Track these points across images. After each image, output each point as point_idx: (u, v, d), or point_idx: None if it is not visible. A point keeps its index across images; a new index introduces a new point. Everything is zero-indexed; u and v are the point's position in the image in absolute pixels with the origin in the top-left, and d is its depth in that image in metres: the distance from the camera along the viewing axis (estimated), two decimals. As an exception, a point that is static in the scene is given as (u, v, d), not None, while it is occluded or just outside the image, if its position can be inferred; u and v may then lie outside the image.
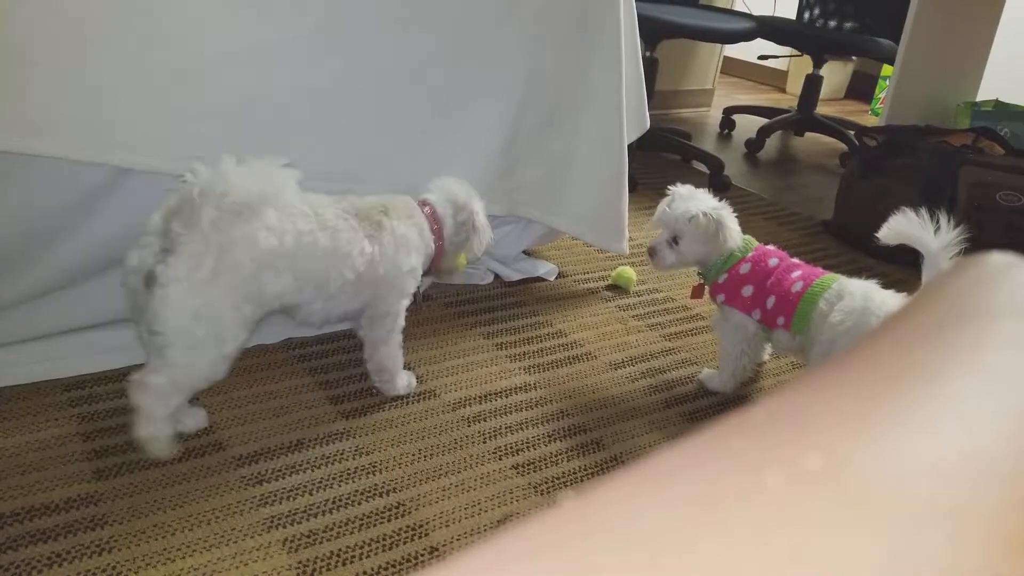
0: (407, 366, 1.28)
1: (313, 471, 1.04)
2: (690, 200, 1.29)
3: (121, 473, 0.99)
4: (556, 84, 1.50)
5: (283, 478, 1.02)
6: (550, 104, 1.51)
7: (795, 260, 1.28)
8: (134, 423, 0.98)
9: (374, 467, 1.06)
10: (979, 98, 2.61)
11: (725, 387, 1.33)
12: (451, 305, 1.52)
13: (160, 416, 0.98)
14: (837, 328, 1.13)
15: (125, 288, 0.98)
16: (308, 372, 1.26)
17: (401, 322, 1.19)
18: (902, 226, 1.06)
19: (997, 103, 2.55)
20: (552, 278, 1.68)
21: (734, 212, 1.31)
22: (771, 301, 1.23)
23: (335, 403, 1.19)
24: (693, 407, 1.29)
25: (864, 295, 1.14)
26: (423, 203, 1.24)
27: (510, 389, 1.27)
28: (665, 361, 1.42)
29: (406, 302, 1.20)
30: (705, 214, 1.25)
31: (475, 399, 1.24)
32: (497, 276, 1.64)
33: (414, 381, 1.24)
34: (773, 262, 1.26)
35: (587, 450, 1.15)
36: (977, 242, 1.87)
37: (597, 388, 1.31)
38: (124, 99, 1.08)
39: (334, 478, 1.03)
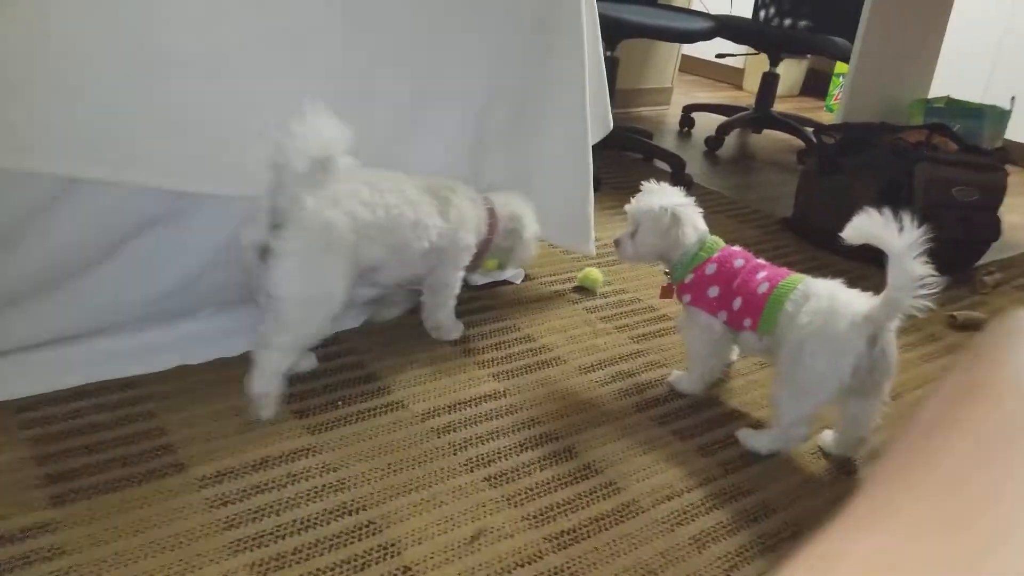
0: (374, 376, 1.26)
1: (280, 490, 1.01)
2: (655, 195, 1.30)
3: (79, 499, 0.95)
4: (520, 86, 1.48)
5: (248, 499, 0.99)
6: (514, 107, 1.50)
7: (761, 261, 1.28)
8: (249, 380, 1.11)
9: (342, 484, 1.04)
10: (931, 95, 2.67)
11: (694, 388, 1.34)
12: (416, 311, 1.49)
13: (277, 372, 1.12)
14: (804, 329, 1.13)
15: (241, 264, 1.12)
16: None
17: (456, 290, 1.37)
18: (866, 226, 1.06)
19: (949, 100, 2.61)
20: (519, 281, 1.67)
21: (701, 211, 1.31)
22: (738, 303, 1.23)
23: (300, 416, 1.16)
24: (664, 410, 1.29)
25: (830, 296, 1.15)
26: (486, 199, 1.40)
27: (479, 397, 1.26)
28: (634, 364, 1.42)
29: (461, 274, 1.37)
30: (662, 208, 1.26)
31: (444, 409, 1.22)
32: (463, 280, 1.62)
33: (461, 327, 1.42)
34: (739, 263, 1.27)
35: (559, 459, 1.14)
36: (935, 238, 1.90)
37: (567, 393, 1.30)
38: (74, 107, 1.03)
39: (301, 497, 1.00)
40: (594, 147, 1.73)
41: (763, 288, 1.21)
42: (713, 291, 1.26)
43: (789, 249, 2.07)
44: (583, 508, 1.05)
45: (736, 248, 1.31)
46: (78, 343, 1.17)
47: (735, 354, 1.40)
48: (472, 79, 1.40)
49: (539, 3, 1.46)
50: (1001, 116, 2.52)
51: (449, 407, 1.22)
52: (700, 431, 1.24)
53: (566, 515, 1.03)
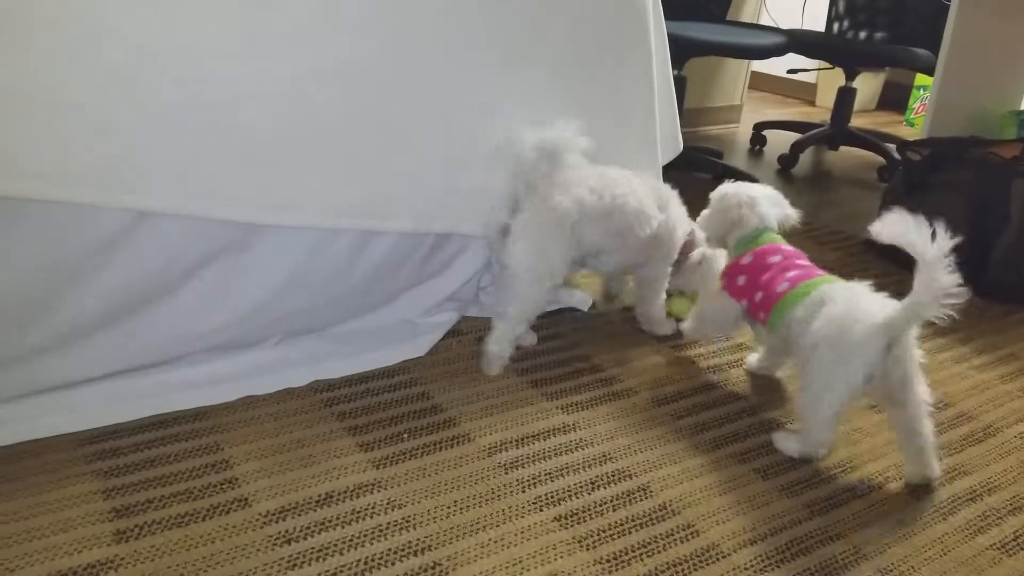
0: (439, 407, 1.23)
1: (344, 527, 0.98)
2: (744, 187, 1.38)
3: (143, 535, 0.94)
4: (589, 105, 1.44)
5: (312, 536, 0.96)
6: (583, 126, 1.46)
7: (802, 262, 1.27)
8: (486, 342, 1.32)
9: (408, 522, 1.00)
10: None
11: (693, 334, 1.46)
12: (483, 340, 1.45)
13: (509, 338, 1.32)
14: (817, 334, 1.12)
15: (488, 243, 1.38)
16: (336, 417, 1.20)
17: (665, 283, 1.50)
18: (897, 227, 1.01)
19: (1043, 111, 2.45)
20: (586, 308, 1.61)
21: (788, 210, 1.40)
22: (759, 296, 1.27)
23: (365, 450, 1.13)
24: (744, 447, 1.21)
25: (847, 301, 1.12)
26: (691, 221, 1.50)
27: (548, 431, 1.21)
28: (710, 396, 1.34)
29: (669, 269, 1.49)
30: (732, 191, 1.36)
31: (512, 443, 1.17)
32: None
33: (674, 325, 1.51)
34: (775, 259, 1.28)
35: (633, 498, 1.07)
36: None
37: (640, 427, 1.24)
38: (139, 140, 1.04)
39: (366, 535, 0.97)
40: (663, 169, 1.68)
41: (783, 287, 1.23)
42: (741, 279, 1.31)
43: (875, 271, 1.95)
44: (659, 552, 0.98)
45: (786, 247, 1.31)
46: (145, 375, 1.17)
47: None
48: (542, 98, 1.36)
49: (606, 27, 1.42)
50: (1104, 126, 2.34)
51: (517, 441, 1.17)
52: (783, 469, 1.16)
53: (641, 559, 0.97)
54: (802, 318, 1.16)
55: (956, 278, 0.98)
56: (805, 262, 1.28)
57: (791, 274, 1.24)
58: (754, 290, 1.28)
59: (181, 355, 1.21)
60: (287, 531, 0.97)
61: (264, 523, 0.98)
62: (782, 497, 1.10)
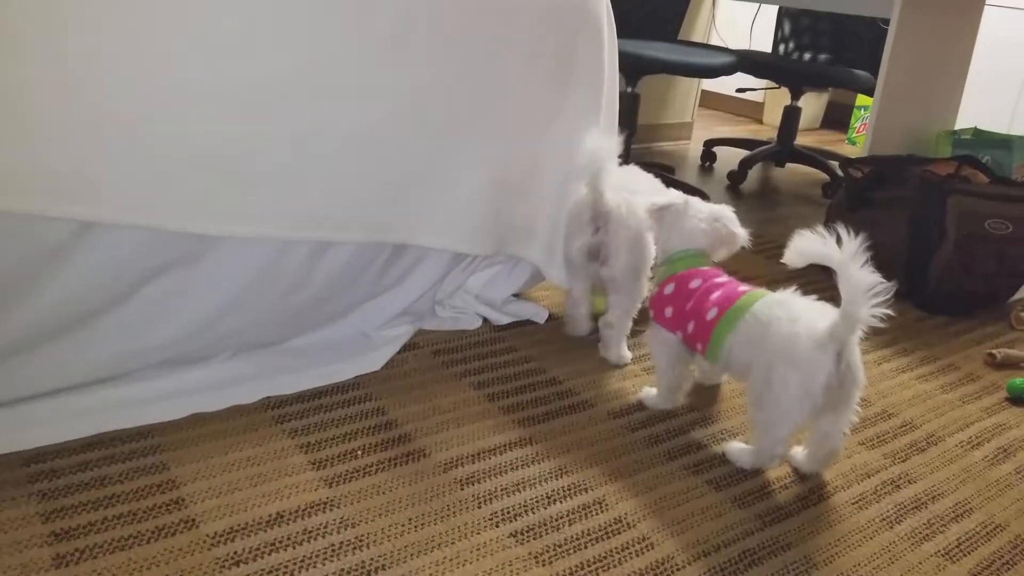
0: (394, 423, 1.21)
1: (295, 548, 0.96)
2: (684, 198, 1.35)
3: (84, 559, 0.90)
4: (542, 124, 1.45)
5: (262, 557, 0.94)
6: (534, 144, 1.47)
7: (721, 280, 1.26)
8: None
9: (361, 540, 0.98)
10: (957, 126, 2.62)
11: (663, 404, 1.35)
12: (439, 353, 1.45)
13: (621, 340, 1.48)
14: (770, 354, 1.12)
15: (574, 263, 1.48)
16: (288, 434, 1.18)
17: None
18: (805, 246, 1.06)
19: (976, 131, 2.56)
20: (542, 321, 1.62)
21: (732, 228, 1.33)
22: (691, 326, 1.25)
23: (317, 468, 1.11)
24: (697, 458, 1.22)
25: (789, 316, 1.14)
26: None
27: (504, 445, 1.20)
28: (664, 409, 1.35)
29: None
30: (667, 203, 1.33)
31: (467, 458, 1.16)
32: (486, 320, 1.58)
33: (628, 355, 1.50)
34: (695, 284, 1.27)
35: (589, 512, 1.08)
36: (969, 270, 1.83)
37: (596, 441, 1.24)
38: (89, 149, 1.01)
39: (318, 555, 0.95)
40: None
41: (712, 314, 1.21)
42: (668, 311, 1.29)
43: (822, 284, 2.01)
44: (615, 566, 0.98)
45: (704, 268, 1.29)
46: (89, 391, 1.13)
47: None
48: (499, 117, 1.36)
49: (565, 40, 1.43)
50: (1032, 147, 2.45)
51: (473, 456, 1.17)
52: (735, 480, 1.18)
53: (597, 574, 0.97)
54: (744, 341, 1.17)
55: (874, 275, 1.01)
56: (724, 278, 1.27)
57: (715, 296, 1.22)
58: (684, 320, 1.26)
59: (128, 371, 1.18)
60: (235, 553, 0.94)
61: (212, 544, 0.95)
62: (734, 508, 1.12)
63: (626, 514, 1.08)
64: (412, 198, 1.31)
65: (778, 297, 1.19)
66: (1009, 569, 1.05)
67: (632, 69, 2.44)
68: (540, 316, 1.62)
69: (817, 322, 1.10)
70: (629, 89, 2.52)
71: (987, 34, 3.28)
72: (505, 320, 1.57)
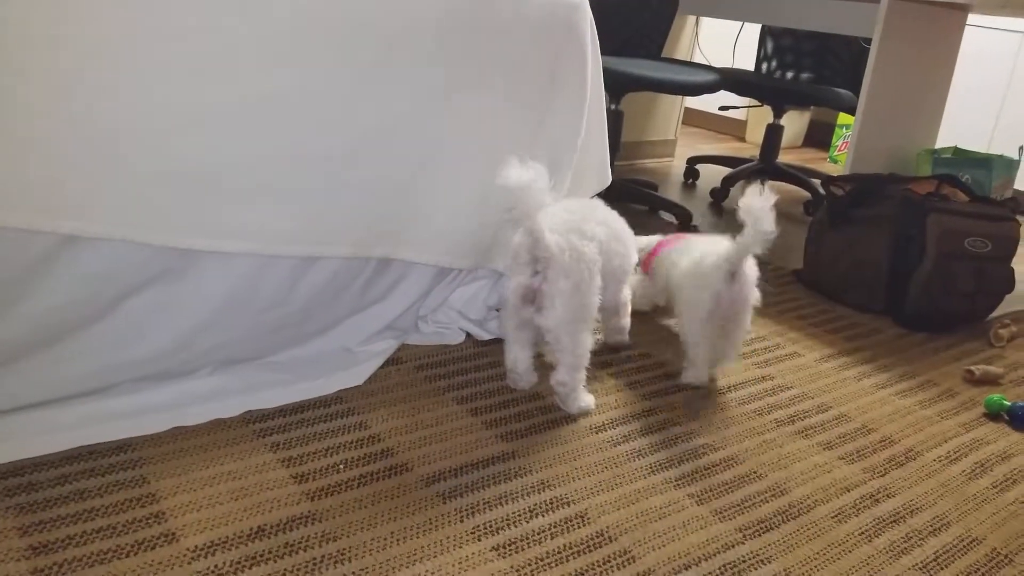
0: (377, 437, 1.21)
1: (276, 561, 0.95)
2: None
3: (62, 573, 0.90)
4: (526, 142, 1.47)
5: (242, 571, 0.93)
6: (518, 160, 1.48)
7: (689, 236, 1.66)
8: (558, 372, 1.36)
9: (343, 554, 0.98)
10: (938, 145, 2.66)
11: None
12: (422, 368, 1.45)
13: (578, 391, 1.36)
14: (681, 274, 1.52)
15: (507, 305, 1.33)
16: (270, 448, 1.17)
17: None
18: (746, 197, 1.36)
19: (956, 150, 2.60)
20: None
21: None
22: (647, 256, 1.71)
23: (299, 482, 1.11)
24: (679, 472, 1.23)
25: (701, 246, 1.52)
26: None
27: (487, 459, 1.20)
28: (647, 422, 1.36)
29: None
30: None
31: (450, 472, 1.16)
32: (469, 335, 1.58)
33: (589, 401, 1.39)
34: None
35: (571, 526, 1.08)
36: (948, 288, 1.88)
37: (578, 454, 1.25)
38: (73, 163, 1.01)
39: (299, 568, 0.95)
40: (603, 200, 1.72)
41: (663, 249, 1.67)
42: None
43: (803, 302, 2.03)
44: (597, 580, 0.99)
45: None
46: (70, 405, 1.13)
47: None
48: (482, 134, 1.38)
49: (548, 58, 1.45)
50: (1009, 165, 2.50)
51: (456, 470, 1.17)
52: (717, 494, 1.19)
53: (579, 588, 0.97)
54: (671, 262, 1.57)
55: (774, 225, 1.33)
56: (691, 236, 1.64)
57: (670, 239, 1.66)
58: (650, 257, 1.69)
59: (109, 385, 1.17)
60: (216, 567, 0.93)
61: (192, 559, 0.94)
62: (716, 521, 1.13)
63: (608, 528, 1.08)
64: (396, 213, 1.32)
65: (710, 237, 1.53)
66: (985, 582, 1.07)
67: (616, 86, 2.46)
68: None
69: (719, 250, 1.43)
70: (613, 106, 2.55)
71: (968, 54, 3.35)
72: (488, 336, 1.58)
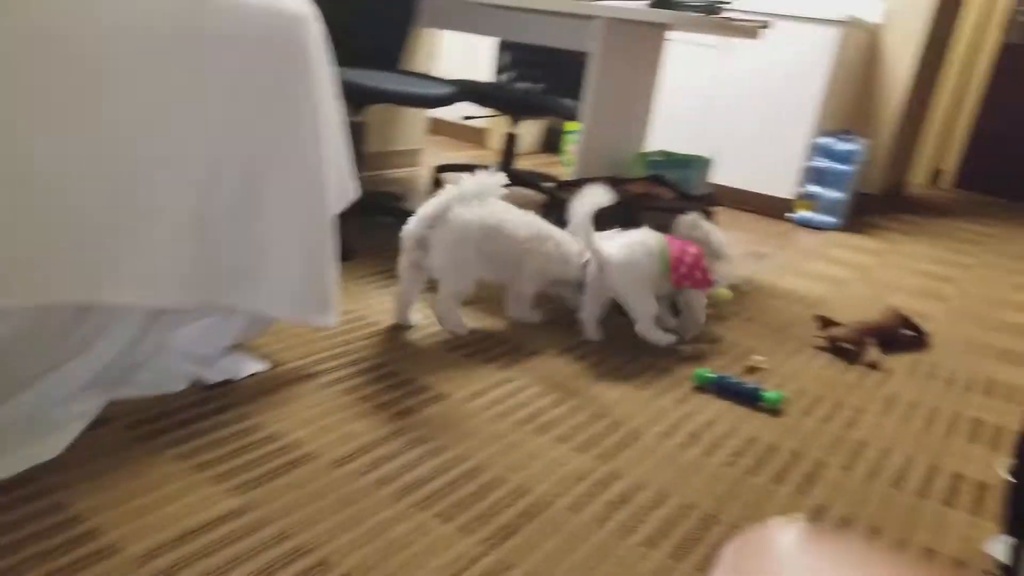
0: (79, 518, 1.06)
1: None
2: None
3: None
4: (250, 162, 1.37)
5: None
6: (245, 183, 1.39)
7: None
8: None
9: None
10: (650, 149, 2.95)
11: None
12: (135, 426, 1.30)
13: (449, 311, 1.82)
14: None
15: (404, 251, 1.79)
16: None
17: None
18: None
19: (664, 153, 2.90)
20: (263, 368, 1.53)
21: None
22: None
23: (-24, 588, 0.93)
24: (425, 492, 1.22)
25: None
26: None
27: (214, 520, 1.10)
28: (392, 446, 1.34)
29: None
30: None
31: (168, 545, 1.04)
32: (196, 379, 1.45)
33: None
34: None
35: (312, 575, 1.02)
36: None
37: (320, 494, 1.19)
38: None
39: None
40: (347, 215, 1.67)
41: None
42: None
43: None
44: (340, 627, 0.94)
45: None
46: None
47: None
48: (192, 158, 1.26)
49: (270, 72, 1.37)
50: (705, 164, 2.84)
51: (175, 541, 1.05)
52: (461, 510, 1.19)
53: (320, 641, 0.92)
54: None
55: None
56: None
57: None
58: None
59: None
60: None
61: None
62: (461, 538, 1.13)
63: (351, 570, 1.04)
64: (94, 247, 1.16)
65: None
66: (697, 544, 1.18)
67: (356, 98, 2.43)
68: (260, 367, 1.53)
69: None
70: (356, 117, 2.50)
71: (671, 65, 3.75)
72: (220, 377, 1.46)
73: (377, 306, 1.94)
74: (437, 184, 3.29)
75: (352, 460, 1.29)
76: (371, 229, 2.57)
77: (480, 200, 1.79)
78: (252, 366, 1.52)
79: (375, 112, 3.28)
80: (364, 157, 2.76)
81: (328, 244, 1.52)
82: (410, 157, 3.60)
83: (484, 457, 1.34)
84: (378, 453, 1.32)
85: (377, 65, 2.75)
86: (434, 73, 3.43)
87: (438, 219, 1.74)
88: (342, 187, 1.74)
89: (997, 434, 1.68)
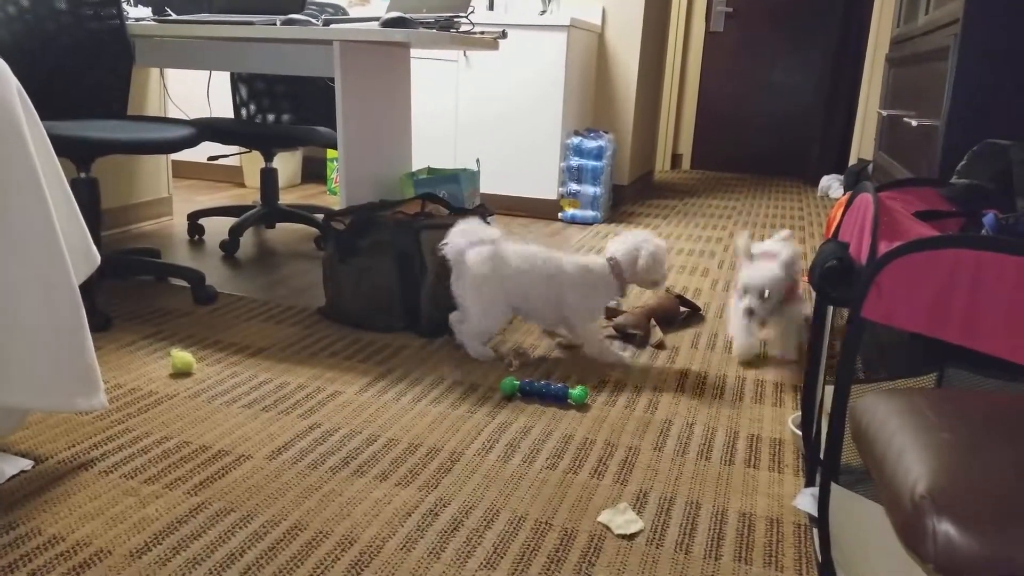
0: None
1: None
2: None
3: None
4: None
5: None
6: None
7: None
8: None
9: None
10: (415, 167, 2.98)
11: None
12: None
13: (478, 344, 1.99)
14: None
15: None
16: None
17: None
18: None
19: (430, 169, 2.95)
20: (28, 467, 1.32)
21: None
22: None
23: None
24: (240, 568, 1.12)
25: None
26: None
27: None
28: (198, 521, 1.22)
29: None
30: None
31: None
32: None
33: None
34: None
35: None
36: (452, 294, 2.07)
37: (119, 598, 1.04)
38: None
39: None
40: (95, 281, 1.48)
41: None
42: None
43: (333, 338, 2.07)
44: None
45: None
46: None
47: None
48: None
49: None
50: (473, 176, 2.93)
51: None
52: (283, 573, 1.12)
53: None
54: None
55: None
56: None
57: None
58: None
59: None
60: None
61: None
62: (295, 604, 1.05)
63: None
64: None
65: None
66: (536, 553, 1.21)
67: (81, 153, 2.17)
68: (24, 465, 1.31)
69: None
70: (83, 175, 2.23)
71: (422, 83, 3.82)
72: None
73: (151, 374, 1.75)
74: (195, 232, 3.06)
75: (151, 548, 1.15)
76: (128, 292, 2.32)
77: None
78: (14, 465, 1.30)
79: (107, 165, 2.97)
80: (101, 216, 2.47)
81: (79, 319, 1.35)
82: (157, 207, 3.30)
83: (301, 514, 1.27)
84: (181, 534, 1.19)
85: (100, 114, 2.48)
86: (170, 115, 3.19)
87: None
88: (84, 254, 1.54)
89: (777, 391, 1.91)
